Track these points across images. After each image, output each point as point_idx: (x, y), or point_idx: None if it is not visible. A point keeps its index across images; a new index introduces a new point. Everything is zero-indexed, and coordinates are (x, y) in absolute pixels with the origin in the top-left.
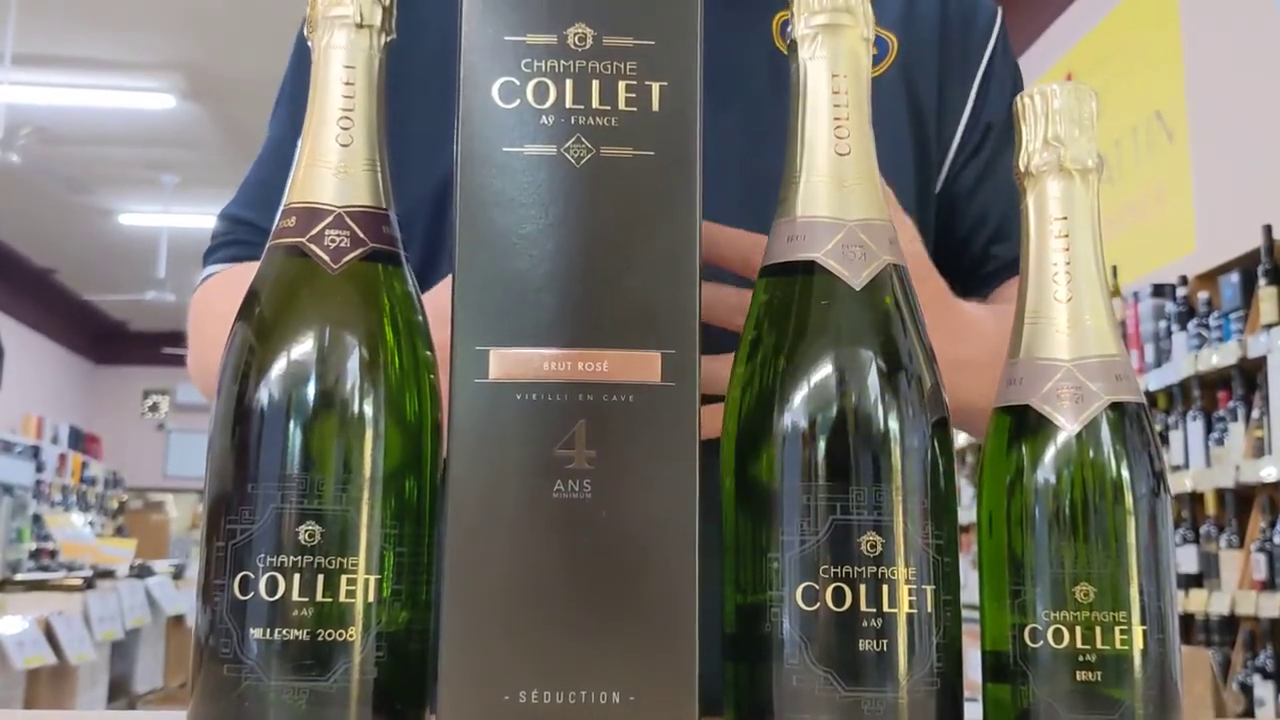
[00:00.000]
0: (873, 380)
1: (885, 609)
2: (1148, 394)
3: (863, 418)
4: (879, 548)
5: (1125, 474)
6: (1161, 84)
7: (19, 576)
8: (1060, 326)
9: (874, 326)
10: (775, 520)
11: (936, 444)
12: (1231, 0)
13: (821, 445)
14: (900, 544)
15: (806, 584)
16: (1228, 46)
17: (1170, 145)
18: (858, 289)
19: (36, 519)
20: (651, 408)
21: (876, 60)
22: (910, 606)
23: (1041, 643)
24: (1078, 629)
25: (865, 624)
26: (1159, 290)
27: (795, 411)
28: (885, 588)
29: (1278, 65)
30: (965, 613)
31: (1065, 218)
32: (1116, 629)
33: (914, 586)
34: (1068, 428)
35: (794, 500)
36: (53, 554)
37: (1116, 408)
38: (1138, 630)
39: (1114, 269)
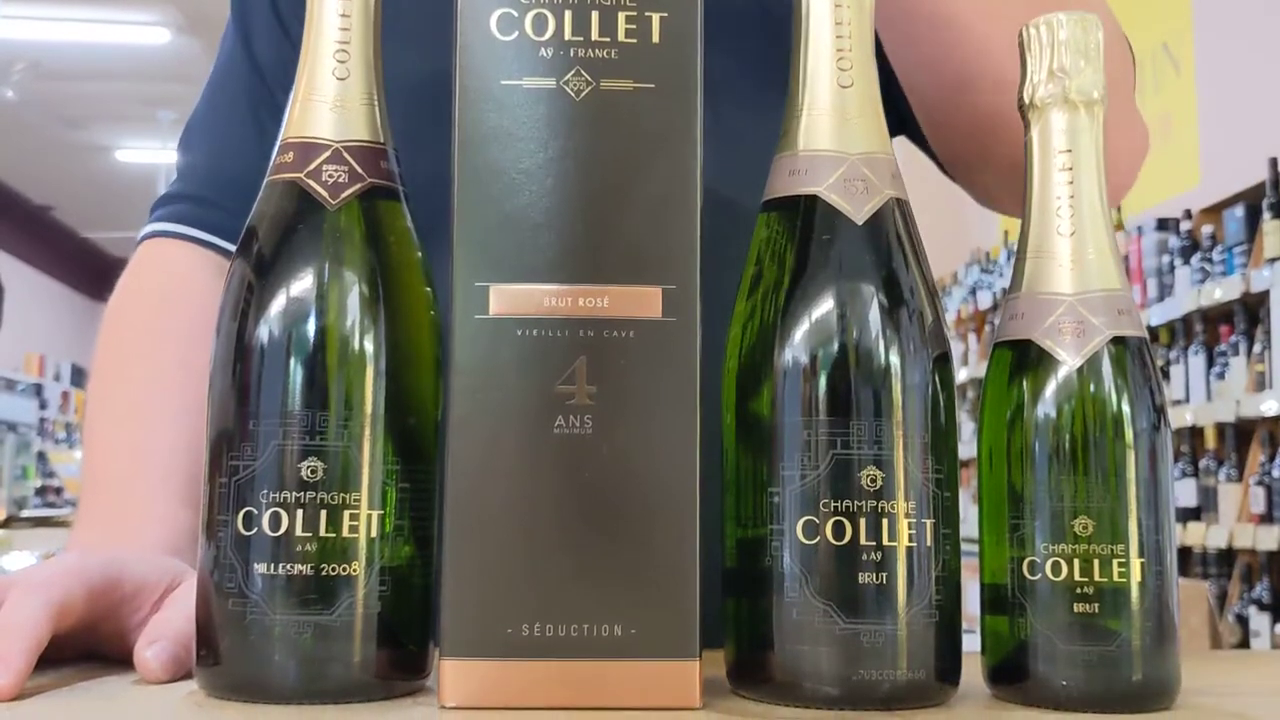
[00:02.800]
0: (874, 315)
1: (885, 543)
2: (1150, 329)
3: (863, 353)
4: (879, 482)
5: (1126, 409)
6: (1168, 15)
7: (25, 513)
8: (1063, 261)
9: (875, 261)
10: (776, 455)
11: (937, 379)
12: None
13: (822, 380)
14: (900, 479)
15: (807, 518)
16: None
17: (1177, 78)
18: (860, 223)
19: (41, 456)
20: (652, 343)
21: None
22: (910, 540)
23: (1040, 575)
24: (1076, 562)
25: (865, 557)
26: (1163, 224)
27: (796, 347)
28: (885, 522)
29: None
30: (964, 546)
31: (1070, 150)
32: (1114, 562)
33: (913, 520)
34: (1069, 362)
35: (794, 435)
36: (58, 490)
37: (1118, 342)
38: (1135, 564)
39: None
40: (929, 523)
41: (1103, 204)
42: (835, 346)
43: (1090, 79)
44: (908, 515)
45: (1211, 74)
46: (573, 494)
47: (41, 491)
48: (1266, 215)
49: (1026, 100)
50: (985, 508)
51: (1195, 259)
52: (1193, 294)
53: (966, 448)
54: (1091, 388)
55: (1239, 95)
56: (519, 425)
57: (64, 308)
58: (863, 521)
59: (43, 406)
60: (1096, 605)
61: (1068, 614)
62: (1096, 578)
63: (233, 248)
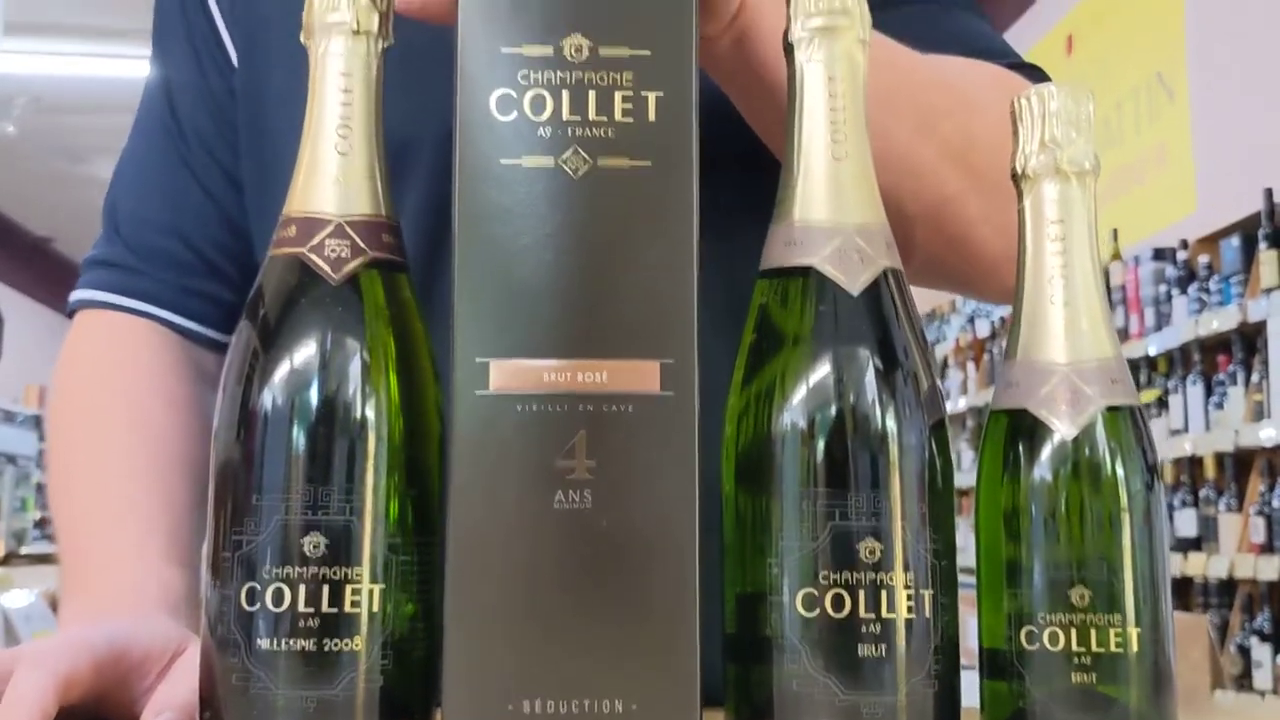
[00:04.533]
0: (871, 386)
1: (884, 614)
2: (1148, 358)
3: (861, 424)
4: (878, 554)
5: (1121, 479)
6: (1162, 45)
7: (24, 550)
8: (1056, 330)
9: (872, 332)
10: (774, 526)
11: (935, 448)
12: None
13: (820, 451)
14: (899, 550)
15: (806, 590)
16: (1229, 6)
17: (1171, 106)
18: (855, 295)
19: (40, 488)
20: (651, 417)
21: None
22: (909, 612)
23: (1038, 645)
24: (1073, 632)
25: (864, 629)
26: (1159, 254)
27: (794, 417)
28: (884, 594)
29: (1278, 27)
30: (962, 578)
31: (1061, 221)
32: (1112, 631)
33: (912, 592)
34: (1064, 432)
35: (793, 506)
36: None
37: (1112, 411)
38: (1133, 632)
39: (1114, 232)
40: (927, 594)
41: (1095, 273)
42: (833, 417)
43: (1082, 150)
44: (907, 587)
45: (1206, 104)
46: (573, 568)
47: (41, 524)
48: (1262, 245)
49: (1019, 170)
50: (983, 573)
51: (1192, 288)
52: (1190, 323)
53: (965, 476)
54: (1086, 458)
55: (1233, 125)
56: (519, 500)
57: (63, 339)
58: (862, 594)
59: (42, 438)
60: (1094, 674)
61: (1066, 682)
62: (1094, 647)
63: (164, 314)
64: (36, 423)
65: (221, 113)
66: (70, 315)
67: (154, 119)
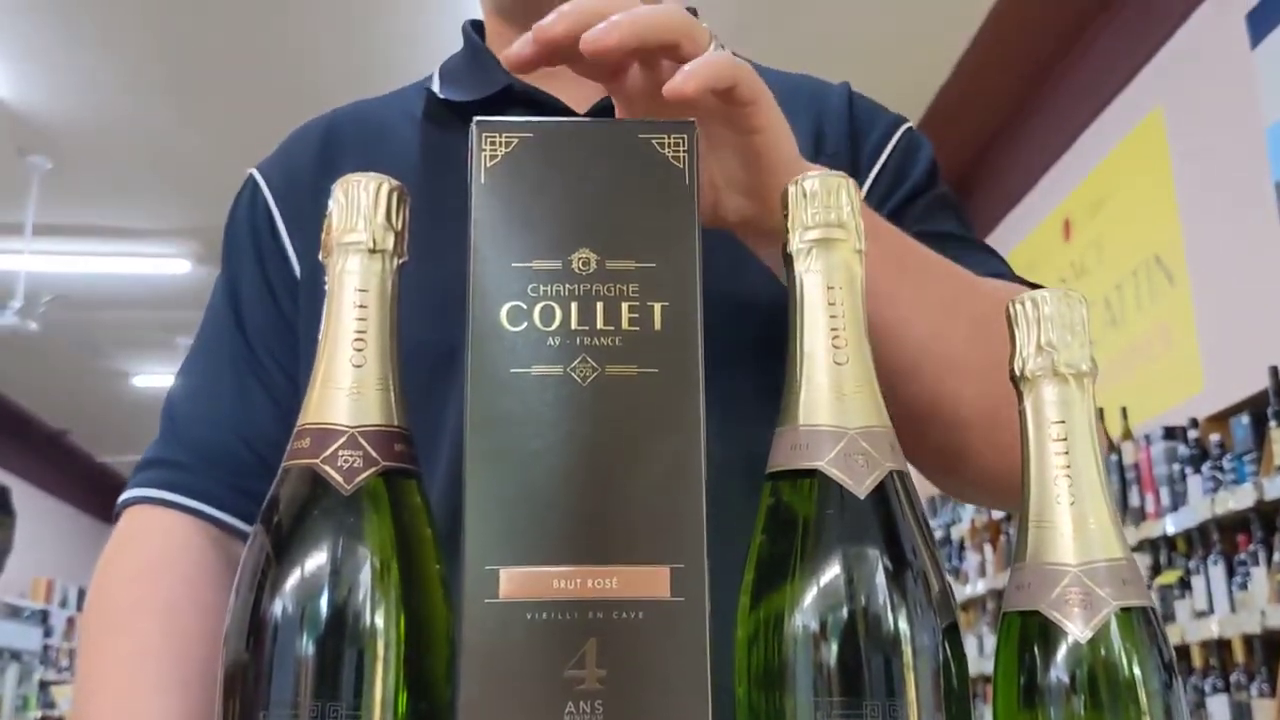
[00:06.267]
0: (882, 591)
1: None
2: (1166, 538)
3: (873, 630)
4: None
5: (1138, 679)
6: (1158, 228)
7: None
8: (1064, 531)
9: (880, 535)
10: None
11: (948, 650)
12: (1222, 147)
13: (833, 657)
14: None
15: None
16: (1220, 192)
17: (1171, 288)
18: (861, 497)
19: (43, 686)
20: (661, 623)
21: None
22: None
23: None
24: None
25: None
26: (1170, 433)
27: (805, 624)
28: None
29: (1270, 210)
30: None
31: (1063, 421)
32: None
33: None
34: (1078, 634)
35: (807, 714)
36: None
37: (1126, 612)
38: None
39: (1123, 410)
40: None
41: (1100, 471)
42: (844, 625)
43: (1078, 353)
44: None
45: (1205, 284)
46: None
47: None
48: (1273, 424)
49: (1017, 372)
50: None
51: (1206, 467)
52: (1206, 502)
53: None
54: (1103, 660)
55: (1234, 305)
56: (529, 711)
57: (74, 531)
58: None
59: (47, 634)
60: None
61: None
62: None
63: (215, 513)
64: (43, 618)
65: (284, 319)
66: (117, 515)
67: (220, 324)
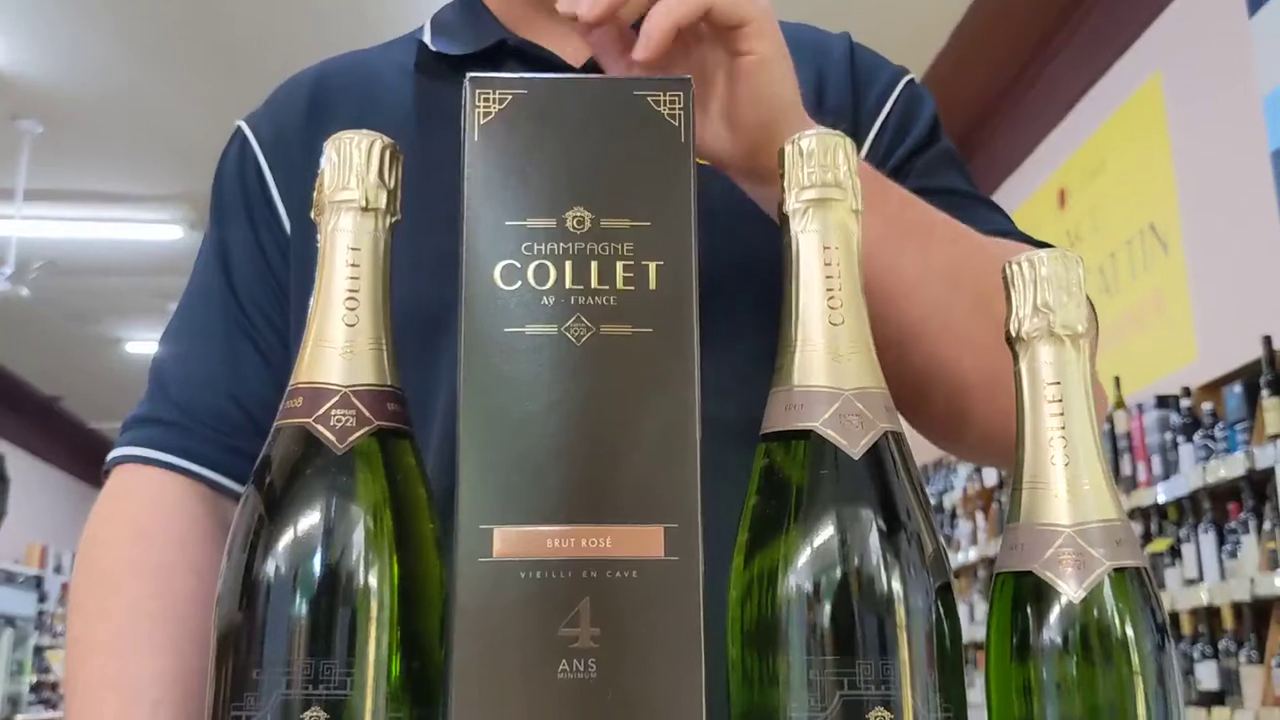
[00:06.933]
0: (875, 551)
1: None
2: (1157, 507)
3: (867, 590)
4: None
5: (1131, 639)
6: (1154, 197)
7: (20, 716)
8: (1058, 491)
9: (874, 495)
10: (781, 693)
11: (941, 610)
12: (1219, 115)
13: (826, 619)
14: (910, 718)
15: None
16: (1217, 161)
17: (1166, 257)
18: (856, 458)
19: (38, 651)
20: (655, 583)
21: None
22: None
23: None
24: None
25: None
26: (1163, 401)
27: (798, 584)
28: None
29: (1267, 180)
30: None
31: (1058, 382)
32: None
33: None
34: (1071, 594)
35: (800, 674)
36: (54, 686)
37: (1119, 572)
38: None
39: (1116, 379)
40: None
41: (1094, 434)
42: (838, 585)
43: (1074, 314)
44: None
45: (1200, 253)
46: None
47: (37, 688)
48: (1265, 392)
49: (1013, 333)
50: None
51: (1198, 436)
52: (1198, 471)
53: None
54: (1095, 620)
55: (1228, 273)
56: (523, 670)
57: (68, 497)
58: None
59: (42, 599)
60: None
61: None
62: None
63: (206, 472)
64: (37, 583)
65: (274, 276)
66: (106, 473)
67: (208, 282)
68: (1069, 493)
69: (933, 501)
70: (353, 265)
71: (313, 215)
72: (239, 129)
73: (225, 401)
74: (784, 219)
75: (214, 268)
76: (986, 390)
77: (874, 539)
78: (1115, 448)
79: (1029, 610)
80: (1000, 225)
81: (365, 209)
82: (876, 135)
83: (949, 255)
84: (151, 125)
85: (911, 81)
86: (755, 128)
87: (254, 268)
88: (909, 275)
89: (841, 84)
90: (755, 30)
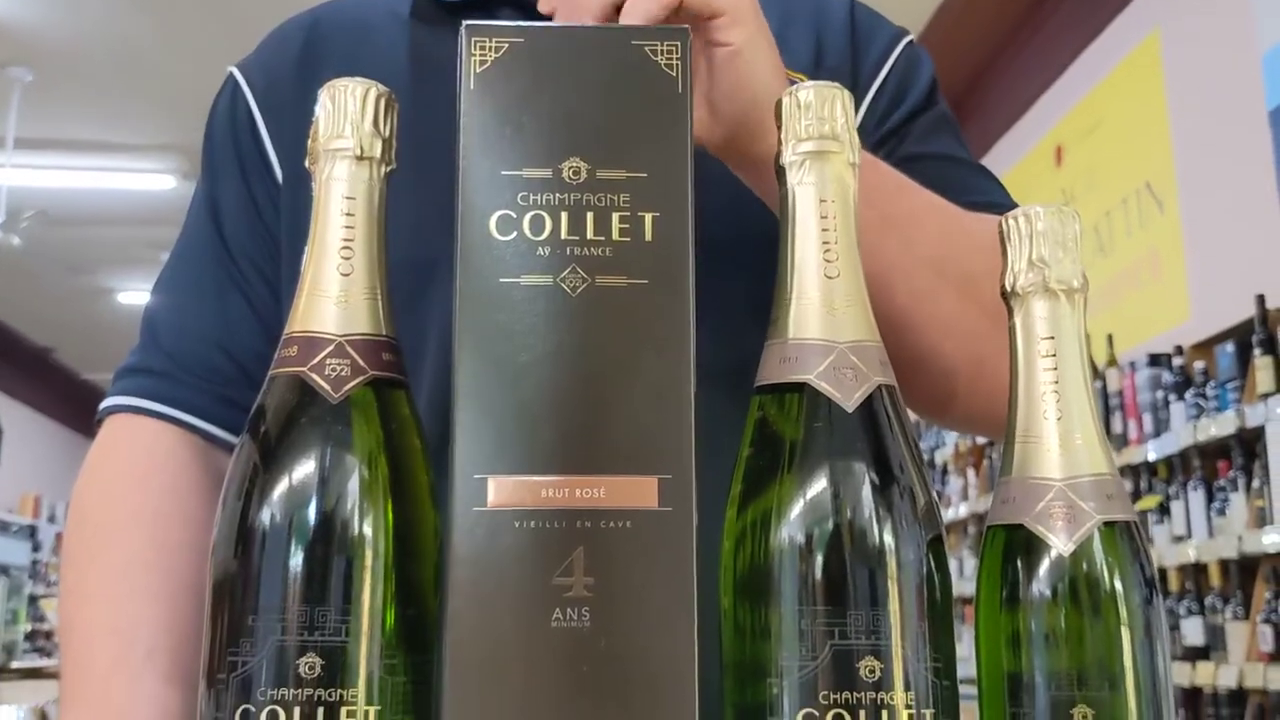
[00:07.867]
0: (867, 503)
1: None
2: (1148, 464)
3: (858, 541)
4: (878, 673)
5: (1120, 593)
6: (1150, 155)
7: (15, 664)
8: (1050, 445)
9: (867, 448)
10: (773, 643)
11: (933, 563)
12: (1217, 72)
13: (818, 570)
14: (899, 669)
15: (806, 710)
16: (1214, 119)
17: (1161, 215)
18: (849, 411)
19: (32, 600)
20: (649, 533)
21: None
22: None
23: None
24: None
25: None
26: (1155, 360)
27: (791, 535)
28: (885, 713)
29: (1264, 138)
30: (966, 688)
31: (1052, 337)
32: None
33: (913, 711)
34: (1061, 547)
35: (791, 624)
36: (48, 635)
37: (1109, 526)
38: None
39: (1109, 338)
40: (929, 713)
41: (1088, 389)
42: (830, 536)
43: (1069, 269)
44: (908, 706)
45: (1195, 211)
46: (571, 688)
47: (31, 636)
48: (1257, 351)
49: (1008, 288)
50: (984, 689)
51: (1189, 394)
52: (1189, 429)
53: (968, 584)
54: (1085, 574)
55: (1223, 233)
56: (516, 618)
57: (62, 447)
58: (862, 714)
59: (36, 549)
60: None
61: None
62: None
63: (198, 422)
64: (31, 533)
65: (266, 228)
66: (99, 423)
67: (200, 233)
68: (1061, 447)
69: (925, 458)
70: (347, 214)
71: (307, 164)
72: (231, 75)
73: (216, 353)
74: (780, 171)
75: (205, 219)
76: (972, 374)
77: (866, 491)
78: (1107, 405)
79: (1019, 563)
80: (993, 196)
81: (360, 158)
82: (874, 97)
83: (935, 245)
84: (144, 74)
85: (911, 44)
86: (735, 116)
87: (245, 219)
88: (889, 263)
89: (840, 45)
90: (729, 21)
